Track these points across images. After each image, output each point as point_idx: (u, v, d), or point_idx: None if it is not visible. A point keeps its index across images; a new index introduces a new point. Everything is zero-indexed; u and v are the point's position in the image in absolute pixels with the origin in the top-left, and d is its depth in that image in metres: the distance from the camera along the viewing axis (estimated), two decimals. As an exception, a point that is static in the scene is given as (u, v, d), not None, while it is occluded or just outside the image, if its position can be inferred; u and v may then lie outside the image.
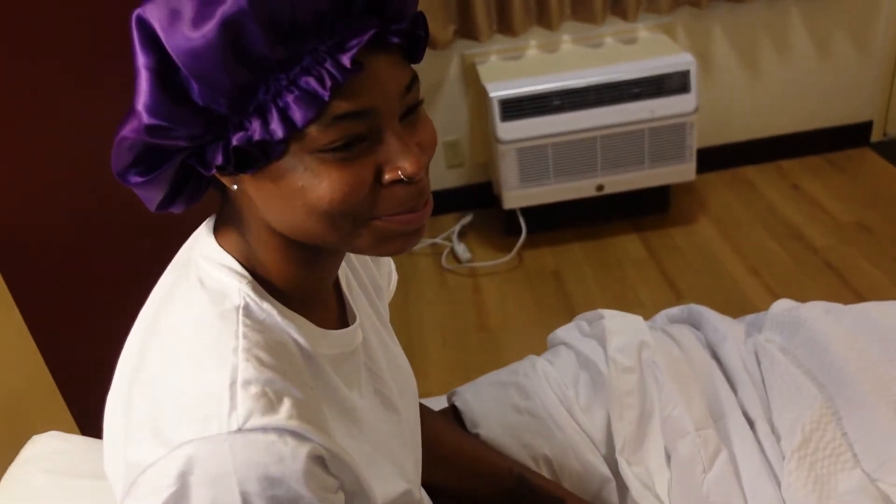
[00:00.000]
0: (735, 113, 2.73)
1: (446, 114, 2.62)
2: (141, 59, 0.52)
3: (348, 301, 0.75)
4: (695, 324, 1.19)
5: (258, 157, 0.55)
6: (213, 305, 0.60)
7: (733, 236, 2.46)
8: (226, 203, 0.64)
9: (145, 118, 0.52)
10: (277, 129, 0.53)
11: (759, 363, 1.06)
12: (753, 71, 2.66)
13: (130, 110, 0.53)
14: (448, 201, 2.77)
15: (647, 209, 2.60)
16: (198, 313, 0.60)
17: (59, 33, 1.20)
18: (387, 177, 0.57)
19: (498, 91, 2.27)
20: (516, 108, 2.28)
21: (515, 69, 2.41)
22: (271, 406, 0.55)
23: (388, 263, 0.91)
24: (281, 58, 0.52)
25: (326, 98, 0.52)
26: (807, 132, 2.79)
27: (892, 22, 2.60)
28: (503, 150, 2.33)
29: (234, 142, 0.54)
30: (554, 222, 2.59)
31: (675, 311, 1.25)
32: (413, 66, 0.60)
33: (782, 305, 1.16)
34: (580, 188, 2.42)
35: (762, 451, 0.98)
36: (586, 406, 1.05)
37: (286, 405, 0.56)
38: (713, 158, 2.77)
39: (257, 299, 0.61)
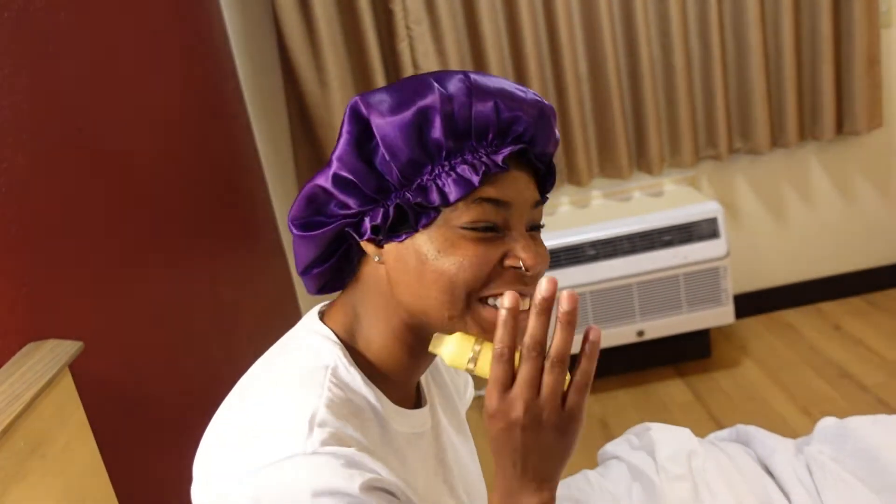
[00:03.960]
0: (767, 258, 2.80)
1: (486, 269, 2.73)
2: (346, 127, 0.69)
3: (423, 389, 0.83)
4: (744, 442, 1.20)
5: (412, 221, 0.68)
6: (307, 362, 0.70)
7: (779, 377, 2.44)
8: (351, 282, 0.77)
9: (335, 166, 0.69)
10: (435, 199, 0.67)
11: (811, 473, 1.06)
12: (780, 217, 2.76)
13: (327, 163, 0.70)
14: (491, 354, 2.81)
15: (689, 354, 2.61)
16: (293, 368, 0.71)
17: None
18: (508, 262, 0.69)
19: (534, 243, 2.39)
20: (553, 258, 2.38)
21: (550, 223, 2.54)
22: (341, 442, 0.64)
23: (465, 374, 0.98)
24: (450, 148, 0.67)
25: (477, 183, 0.67)
26: (842, 275, 2.83)
27: (910, 166, 2.71)
28: (543, 299, 2.40)
29: (397, 200, 0.68)
30: (598, 369, 2.58)
31: (723, 433, 1.26)
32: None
33: (828, 421, 1.17)
34: (621, 334, 2.47)
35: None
36: (641, 519, 1.05)
37: (354, 446, 0.65)
38: (750, 303, 2.81)
39: (346, 363, 0.71)
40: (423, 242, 0.68)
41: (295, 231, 0.73)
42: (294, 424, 0.64)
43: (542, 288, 0.63)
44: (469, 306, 0.69)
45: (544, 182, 0.75)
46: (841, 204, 2.76)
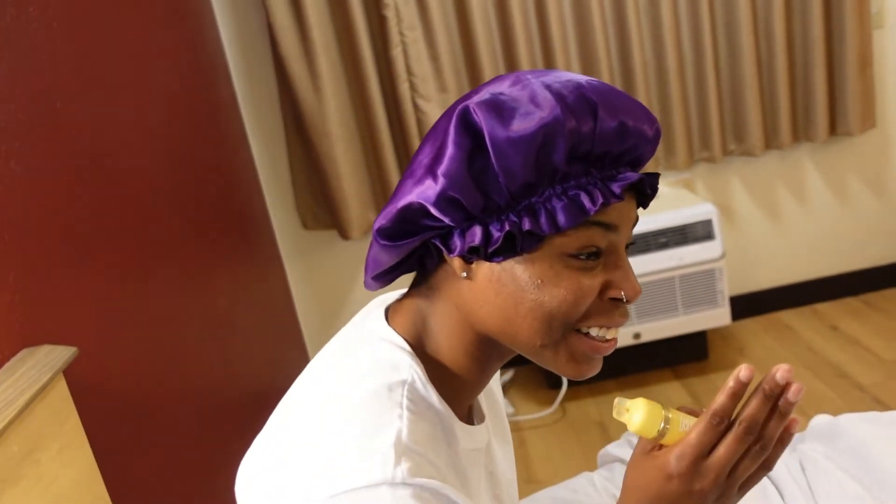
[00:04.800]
0: (763, 260, 2.81)
1: (482, 274, 2.74)
2: (454, 138, 0.62)
3: (476, 404, 0.80)
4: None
5: (516, 246, 0.63)
6: (382, 377, 0.66)
7: (777, 378, 2.44)
8: (421, 288, 0.72)
9: (443, 184, 0.62)
10: (545, 225, 0.62)
11: (804, 471, 1.07)
12: (776, 218, 2.77)
13: (423, 175, 0.64)
14: (489, 359, 2.82)
15: (686, 356, 2.61)
16: (369, 382, 0.66)
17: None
18: (611, 293, 0.66)
19: (530, 247, 2.39)
20: (549, 262, 2.39)
21: (546, 227, 2.54)
22: (424, 472, 0.60)
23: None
24: (566, 171, 0.63)
25: (592, 213, 0.62)
26: (838, 275, 2.84)
27: (904, 166, 2.72)
28: (539, 303, 2.41)
29: (508, 227, 0.63)
30: (597, 374, 2.60)
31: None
32: None
33: (821, 419, 1.18)
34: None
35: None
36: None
37: (435, 475, 0.61)
38: (747, 305, 2.82)
39: (424, 379, 0.67)
40: (524, 269, 0.64)
41: (381, 241, 0.67)
42: (378, 450, 0.59)
43: (779, 375, 0.61)
44: (564, 336, 0.66)
45: (648, 199, 0.71)
46: (836, 205, 2.77)
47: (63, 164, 1.23)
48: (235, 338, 1.89)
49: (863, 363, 2.44)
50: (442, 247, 0.66)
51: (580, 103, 0.62)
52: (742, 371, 0.61)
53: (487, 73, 2.43)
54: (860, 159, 2.71)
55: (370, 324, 0.73)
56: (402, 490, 0.57)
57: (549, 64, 2.45)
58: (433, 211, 0.63)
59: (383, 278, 0.73)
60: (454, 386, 0.71)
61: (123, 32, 1.57)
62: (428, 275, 0.72)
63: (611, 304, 0.67)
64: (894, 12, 2.57)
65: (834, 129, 2.60)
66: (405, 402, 0.64)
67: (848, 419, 1.13)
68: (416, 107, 2.43)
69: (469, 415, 0.78)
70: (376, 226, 0.67)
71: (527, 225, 0.62)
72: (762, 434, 0.62)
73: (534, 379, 2.72)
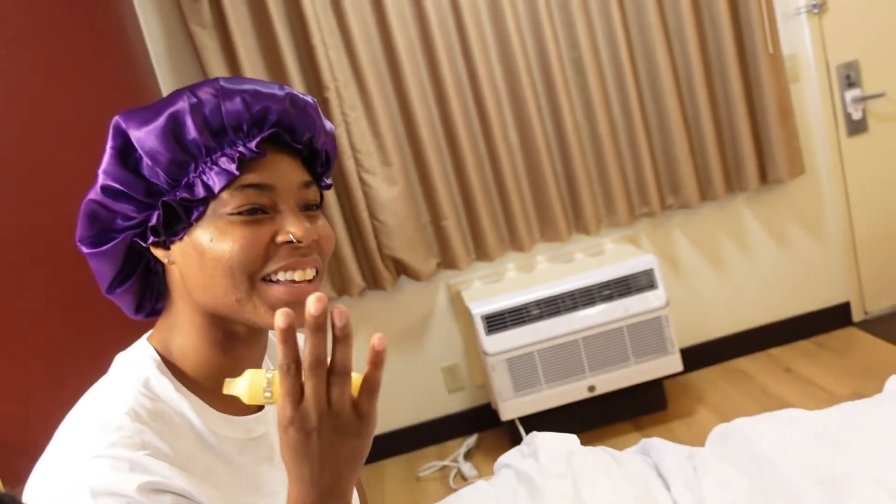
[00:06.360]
0: (714, 309, 2.88)
1: (441, 340, 2.79)
2: (109, 144, 0.74)
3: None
4: (645, 452, 1.24)
5: (183, 217, 0.73)
6: (120, 377, 0.76)
7: (733, 422, 2.47)
8: (165, 298, 0.81)
9: (101, 179, 0.74)
10: (200, 192, 0.73)
11: (695, 471, 1.11)
12: (721, 267, 2.85)
13: (94, 180, 0.74)
14: (452, 426, 2.83)
15: (645, 407, 2.64)
16: (106, 385, 0.77)
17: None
18: (279, 238, 0.75)
19: (479, 308, 2.46)
20: (499, 320, 2.45)
21: (497, 289, 2.62)
22: (131, 447, 0.68)
23: None
24: (208, 144, 0.73)
25: (236, 171, 0.73)
26: (788, 319, 2.90)
27: (839, 205, 2.83)
28: (492, 362, 2.46)
29: (166, 198, 0.73)
30: (555, 430, 2.62)
31: (632, 448, 1.31)
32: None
33: (719, 427, 1.23)
34: (572, 391, 2.50)
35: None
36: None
37: (149, 450, 0.69)
38: (702, 355, 2.86)
39: (157, 374, 0.76)
40: (199, 234, 0.74)
41: (85, 250, 0.77)
42: (85, 431, 0.69)
43: (310, 308, 0.61)
44: (253, 286, 0.74)
45: (315, 165, 0.81)
46: (777, 250, 2.86)
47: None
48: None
49: (816, 401, 2.47)
50: (140, 240, 0.76)
51: (206, 92, 0.74)
52: (279, 319, 0.62)
53: (428, 145, 2.55)
54: (794, 205, 2.82)
55: (134, 344, 0.82)
56: (96, 461, 0.66)
57: (487, 134, 2.58)
58: (106, 202, 0.74)
59: (122, 295, 0.81)
60: (207, 376, 0.79)
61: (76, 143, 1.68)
62: (163, 284, 0.80)
63: (287, 249, 0.75)
64: (807, 66, 2.74)
65: (765, 177, 2.72)
66: (135, 394, 0.73)
67: (741, 422, 1.18)
68: (361, 181, 2.54)
69: (261, 406, 0.84)
70: (76, 239, 0.77)
71: (183, 194, 0.73)
72: (335, 361, 0.64)
73: (498, 442, 2.73)
